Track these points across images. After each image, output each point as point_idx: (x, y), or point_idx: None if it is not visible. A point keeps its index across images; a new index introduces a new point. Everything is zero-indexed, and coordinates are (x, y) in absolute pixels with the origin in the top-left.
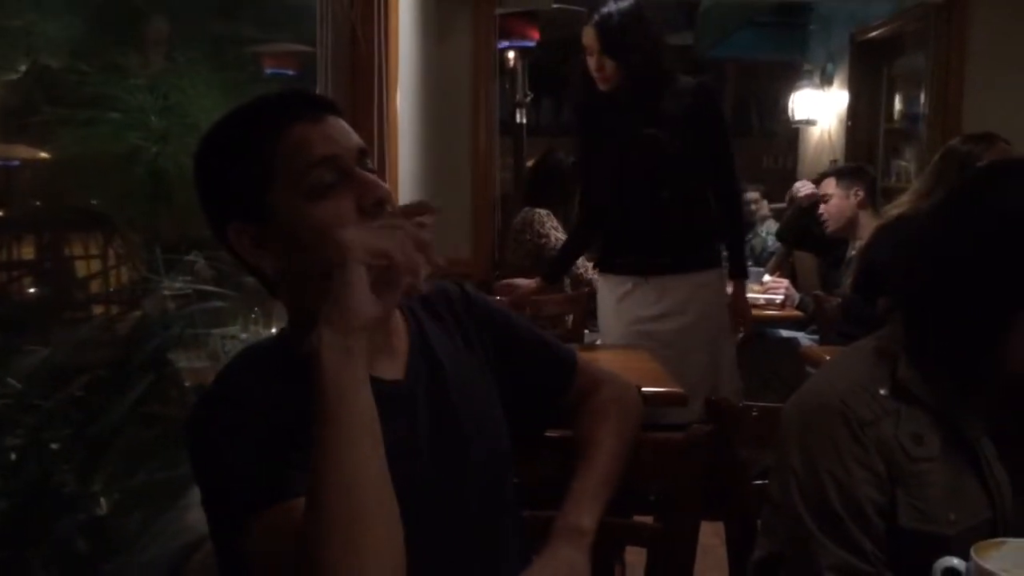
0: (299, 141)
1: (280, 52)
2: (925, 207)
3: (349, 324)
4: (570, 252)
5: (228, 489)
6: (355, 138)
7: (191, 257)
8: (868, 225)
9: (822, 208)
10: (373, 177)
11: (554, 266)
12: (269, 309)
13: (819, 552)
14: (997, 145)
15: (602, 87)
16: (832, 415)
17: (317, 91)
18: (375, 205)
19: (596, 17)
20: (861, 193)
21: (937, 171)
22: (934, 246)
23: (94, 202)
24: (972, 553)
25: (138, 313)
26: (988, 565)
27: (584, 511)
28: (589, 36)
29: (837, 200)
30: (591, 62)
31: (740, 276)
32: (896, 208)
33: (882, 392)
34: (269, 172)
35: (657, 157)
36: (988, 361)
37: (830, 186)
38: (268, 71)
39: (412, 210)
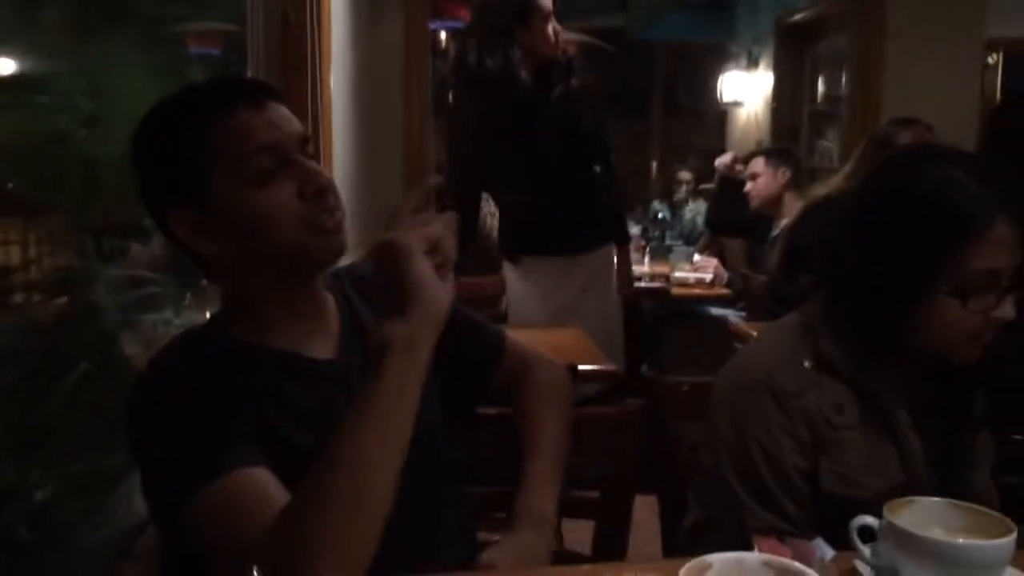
0: (241, 127)
1: (206, 31)
2: (848, 188)
3: (431, 315)
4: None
5: (170, 467)
6: (297, 125)
7: (124, 242)
8: (792, 205)
9: (749, 186)
10: (314, 165)
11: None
12: (201, 294)
13: (747, 516)
14: (916, 128)
15: (547, 52)
16: (759, 387)
17: (248, 74)
18: (316, 193)
19: None
20: (788, 174)
21: (862, 154)
22: (853, 226)
23: (10, 186)
24: (884, 511)
25: (63, 300)
26: (899, 522)
27: (544, 495)
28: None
29: (765, 179)
30: (546, 28)
31: (624, 241)
32: (823, 189)
33: (806, 365)
34: (211, 157)
35: (594, 132)
36: (902, 336)
37: (758, 165)
38: (193, 50)
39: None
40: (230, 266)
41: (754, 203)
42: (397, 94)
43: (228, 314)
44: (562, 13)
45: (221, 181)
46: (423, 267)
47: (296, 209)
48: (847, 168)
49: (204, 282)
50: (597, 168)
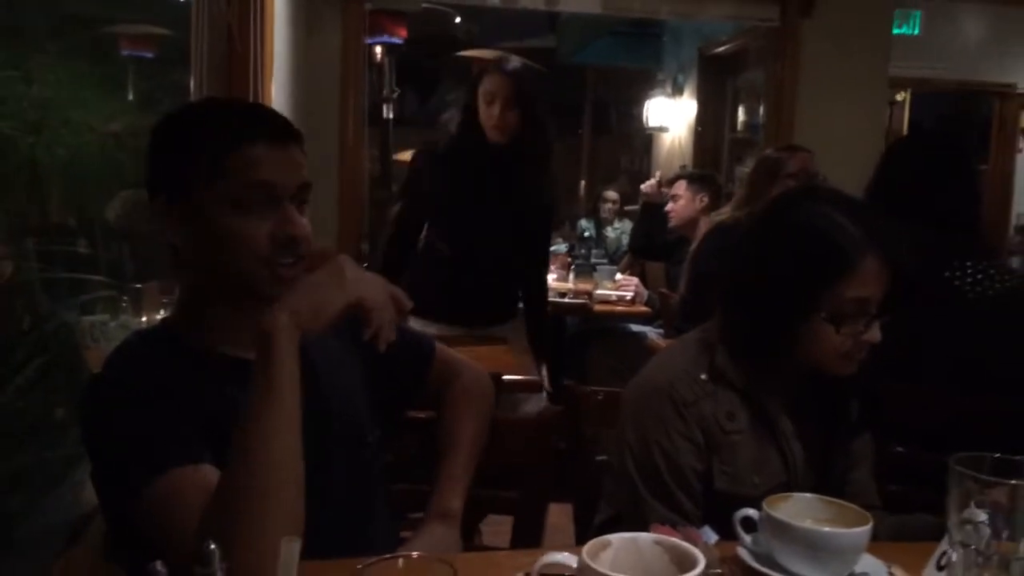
0: (251, 157)
1: (138, 34)
2: (744, 216)
3: (316, 315)
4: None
5: (120, 461)
6: (303, 174)
7: (65, 247)
8: (704, 225)
9: (670, 206)
10: (297, 216)
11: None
12: (137, 298)
13: (648, 511)
14: (799, 154)
15: (494, 137)
16: (661, 396)
17: (191, 80)
18: (287, 240)
19: (508, 67)
20: (706, 200)
21: (752, 180)
22: (746, 256)
23: None
24: (763, 505)
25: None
26: (775, 514)
27: (453, 495)
28: (499, 84)
29: (684, 202)
30: (492, 110)
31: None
32: (719, 216)
33: (702, 377)
34: (215, 171)
35: (527, 213)
36: (785, 353)
37: (680, 187)
38: (125, 52)
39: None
40: (191, 266)
41: (672, 223)
42: (333, 105)
43: (180, 319)
44: (496, 33)
45: (215, 193)
46: (343, 280)
47: (263, 247)
48: (739, 194)
49: (139, 286)
50: (517, 249)
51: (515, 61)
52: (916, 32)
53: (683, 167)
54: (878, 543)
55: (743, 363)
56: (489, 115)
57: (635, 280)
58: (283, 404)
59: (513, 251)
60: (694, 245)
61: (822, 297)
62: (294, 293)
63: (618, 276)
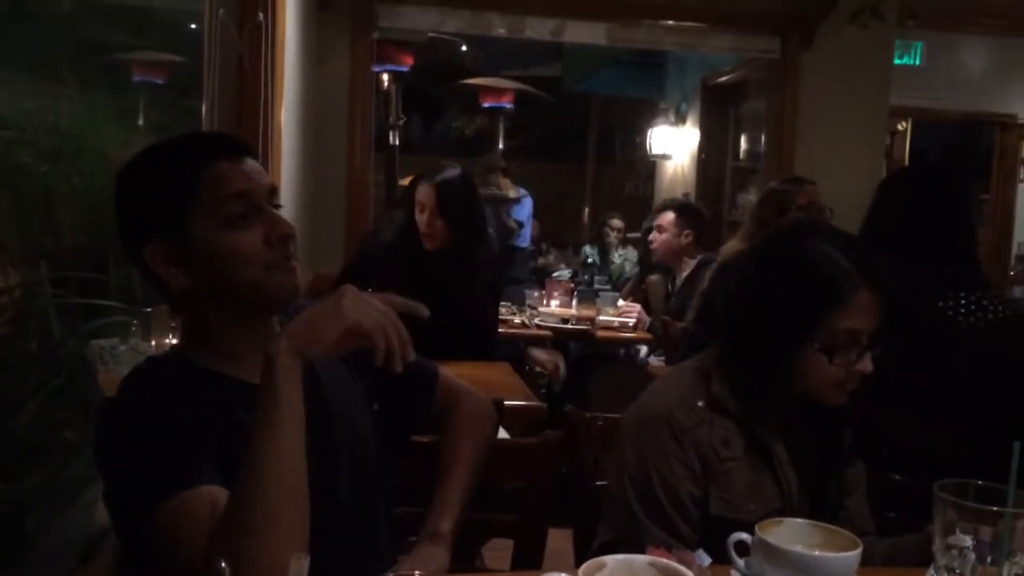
0: (219, 175)
1: (150, 61)
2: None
3: (307, 347)
4: None
5: (134, 480)
6: (267, 178)
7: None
8: (689, 263)
9: (652, 236)
10: (279, 215)
11: None
12: (147, 323)
13: (646, 535)
14: (806, 187)
15: (427, 245)
16: (659, 422)
17: (203, 107)
18: (280, 239)
19: (437, 179)
20: (691, 236)
21: (759, 213)
22: (743, 285)
23: None
24: (756, 529)
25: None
26: (768, 538)
27: (445, 517)
28: (427, 194)
29: (668, 236)
30: (422, 218)
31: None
32: (728, 250)
33: (699, 404)
34: (191, 200)
35: (458, 324)
36: (779, 382)
37: (667, 218)
38: (136, 79)
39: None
40: (195, 299)
41: (656, 256)
42: (342, 132)
43: (190, 343)
44: (501, 62)
45: (197, 221)
46: (337, 311)
47: (261, 252)
48: (746, 227)
49: (148, 310)
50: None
51: (450, 172)
52: (917, 63)
53: (686, 195)
54: (869, 568)
55: (739, 391)
56: (420, 222)
57: (637, 307)
58: (287, 425)
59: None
60: (683, 274)
61: (815, 328)
62: (296, 322)
63: (620, 303)
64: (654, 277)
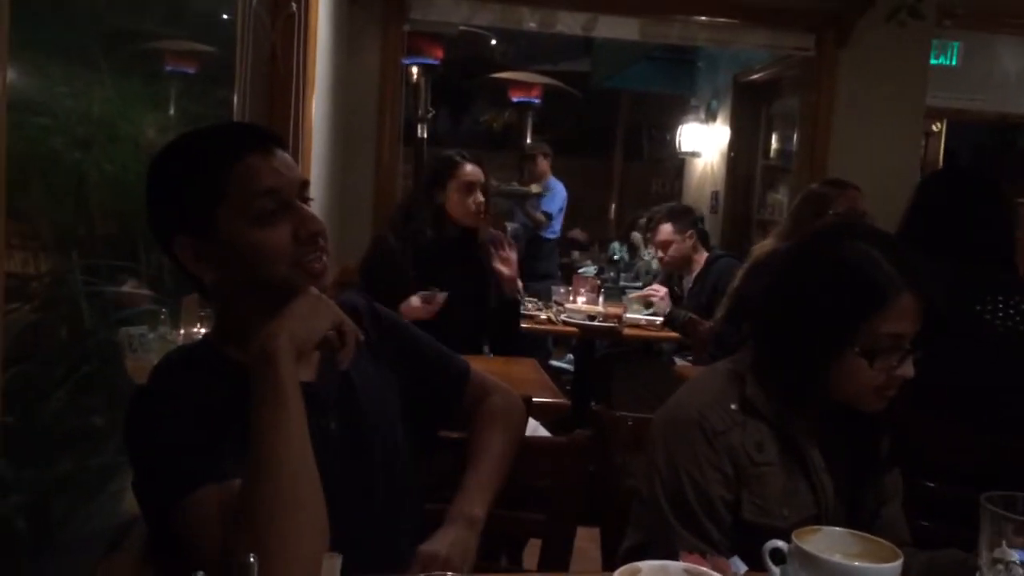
0: (249, 171)
1: (181, 51)
2: (783, 249)
3: (303, 340)
4: None
5: (163, 470)
6: (298, 172)
7: (110, 261)
8: (699, 260)
9: (659, 253)
10: (311, 212)
11: None
12: (176, 311)
13: (676, 540)
14: (848, 192)
15: (471, 223)
16: (691, 425)
17: (235, 97)
18: (310, 237)
19: (468, 157)
20: (693, 236)
21: (796, 217)
22: (783, 288)
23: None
24: (793, 537)
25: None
26: (805, 547)
27: (475, 501)
28: (477, 173)
29: (675, 246)
30: (474, 197)
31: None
32: (761, 249)
33: (732, 407)
34: (220, 195)
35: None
36: (817, 387)
37: (666, 233)
38: (168, 68)
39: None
40: (225, 291)
41: (667, 269)
42: (371, 124)
43: (220, 334)
44: (531, 56)
45: (226, 217)
46: (324, 316)
47: (290, 249)
48: (782, 227)
49: (177, 299)
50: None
51: (459, 152)
52: (954, 63)
53: (714, 193)
54: None
55: (774, 395)
56: (474, 201)
57: (664, 289)
58: (291, 416)
59: (475, 314)
60: (692, 275)
61: (857, 331)
62: (286, 319)
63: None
64: None
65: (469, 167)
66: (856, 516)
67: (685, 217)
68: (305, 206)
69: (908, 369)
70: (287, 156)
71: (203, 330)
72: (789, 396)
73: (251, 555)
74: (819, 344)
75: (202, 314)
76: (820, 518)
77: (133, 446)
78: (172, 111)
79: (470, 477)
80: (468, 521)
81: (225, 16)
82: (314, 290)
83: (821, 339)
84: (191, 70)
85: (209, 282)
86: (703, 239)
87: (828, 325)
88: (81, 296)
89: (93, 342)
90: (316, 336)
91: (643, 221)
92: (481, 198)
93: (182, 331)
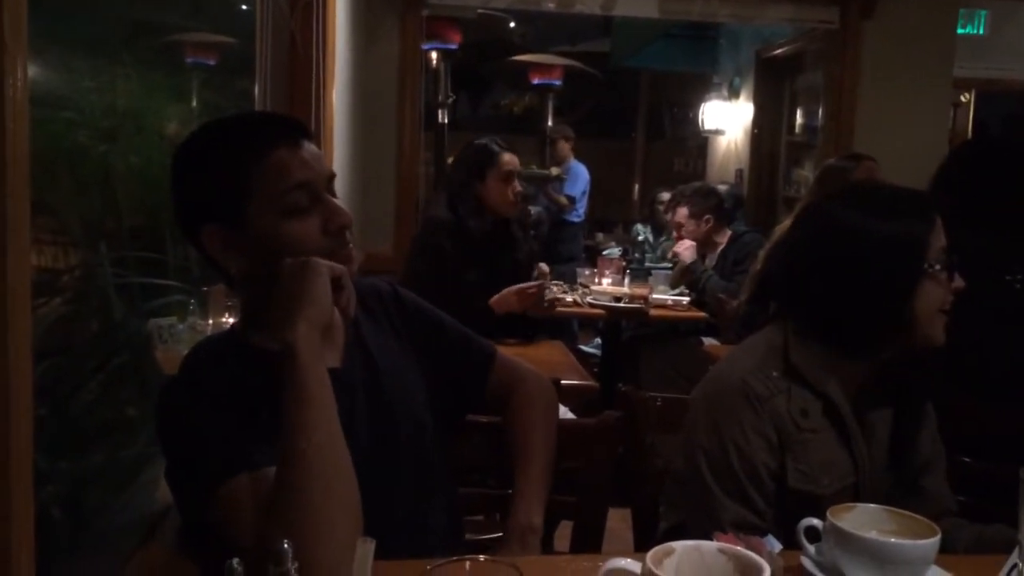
0: (279, 165)
1: (202, 42)
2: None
3: (320, 319)
4: None
5: (196, 460)
6: (325, 164)
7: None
8: (720, 240)
9: (677, 246)
10: (340, 205)
11: None
12: (204, 302)
13: (720, 510)
14: (865, 163)
15: (510, 212)
16: (735, 392)
17: (255, 88)
18: (338, 229)
19: (505, 145)
20: (711, 220)
21: (817, 189)
22: (830, 243)
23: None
24: (828, 514)
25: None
26: (840, 524)
27: (532, 511)
28: (515, 162)
29: (690, 229)
30: (514, 186)
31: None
32: (782, 229)
33: (775, 374)
34: (248, 188)
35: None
36: (894, 324)
37: (683, 216)
38: (190, 60)
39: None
40: (252, 281)
41: (686, 258)
42: (391, 111)
43: (247, 324)
44: (549, 37)
45: (255, 209)
46: (324, 283)
47: (319, 241)
48: (802, 205)
49: (205, 289)
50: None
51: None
52: (981, 32)
53: (739, 171)
54: (945, 555)
55: (819, 362)
56: (513, 190)
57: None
58: (321, 404)
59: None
60: (714, 254)
61: (927, 250)
62: (296, 304)
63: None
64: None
65: (507, 156)
66: (897, 486)
67: (704, 201)
68: (333, 199)
69: (959, 281)
70: (314, 147)
71: (231, 320)
72: (836, 361)
73: (285, 542)
74: (898, 277)
75: (229, 304)
76: (859, 486)
77: (165, 437)
78: (195, 102)
79: (522, 484)
80: (528, 533)
81: (244, 7)
82: (288, 260)
83: (898, 269)
84: (212, 61)
85: (236, 272)
86: (726, 218)
87: (902, 253)
88: (111, 288)
89: (123, 334)
90: (328, 305)
91: (663, 196)
92: (519, 187)
93: (211, 321)
